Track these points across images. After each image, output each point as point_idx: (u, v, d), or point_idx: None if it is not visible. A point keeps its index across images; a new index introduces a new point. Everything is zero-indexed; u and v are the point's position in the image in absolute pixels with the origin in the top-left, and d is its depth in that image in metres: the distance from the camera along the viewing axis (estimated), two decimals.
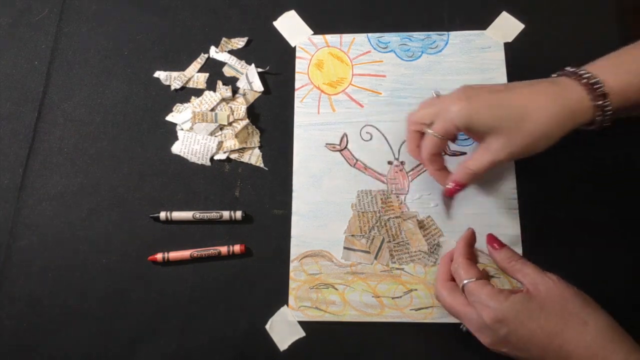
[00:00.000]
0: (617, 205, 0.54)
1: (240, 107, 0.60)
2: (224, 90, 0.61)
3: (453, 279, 0.49)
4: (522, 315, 0.42)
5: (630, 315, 0.51)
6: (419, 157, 0.51)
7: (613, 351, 0.40)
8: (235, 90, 0.62)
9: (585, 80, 0.45)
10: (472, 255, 0.51)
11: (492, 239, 0.50)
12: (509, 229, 0.54)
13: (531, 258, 0.51)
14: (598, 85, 0.44)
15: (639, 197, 0.54)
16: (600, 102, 0.44)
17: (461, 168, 0.49)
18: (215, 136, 0.59)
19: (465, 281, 0.46)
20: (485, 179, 0.56)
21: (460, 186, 0.50)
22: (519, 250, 0.53)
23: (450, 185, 0.50)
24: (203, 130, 0.59)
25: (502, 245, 0.49)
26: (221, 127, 0.60)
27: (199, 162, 0.59)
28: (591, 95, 0.44)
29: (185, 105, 0.61)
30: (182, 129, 0.60)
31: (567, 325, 0.41)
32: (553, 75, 0.48)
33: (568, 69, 0.47)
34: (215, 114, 0.60)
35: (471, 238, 0.51)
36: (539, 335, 0.41)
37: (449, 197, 0.54)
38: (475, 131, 0.46)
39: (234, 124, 0.60)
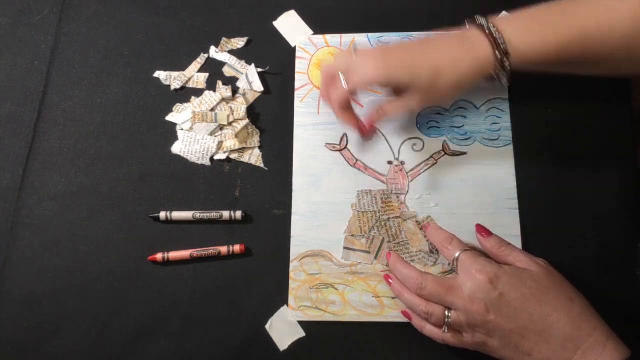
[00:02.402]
0: (618, 205, 0.54)
1: (240, 107, 0.60)
2: (224, 90, 0.61)
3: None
4: (516, 279, 0.44)
5: (631, 315, 0.51)
6: (329, 101, 0.54)
7: (596, 327, 0.42)
8: (235, 90, 0.62)
9: (491, 36, 0.47)
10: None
11: (480, 228, 0.51)
12: (509, 229, 0.54)
13: None
14: (503, 44, 0.47)
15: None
16: (502, 60, 0.47)
17: (377, 110, 0.53)
18: (215, 136, 0.59)
19: (457, 253, 0.48)
20: (485, 179, 0.56)
21: (373, 128, 0.57)
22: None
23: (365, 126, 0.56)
24: (203, 130, 0.59)
25: (489, 233, 0.51)
26: (221, 127, 0.60)
27: (199, 162, 0.59)
28: (495, 52, 0.47)
29: (186, 105, 0.61)
30: (182, 129, 0.60)
31: (557, 297, 0.44)
32: (470, 25, 0.50)
33: (481, 21, 0.49)
34: (215, 114, 0.60)
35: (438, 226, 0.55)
36: (530, 300, 0.43)
37: (366, 137, 0.58)
38: (392, 86, 0.52)
39: (234, 124, 0.60)
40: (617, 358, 0.40)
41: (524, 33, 0.47)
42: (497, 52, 0.47)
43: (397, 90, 0.52)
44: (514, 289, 0.44)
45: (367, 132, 0.57)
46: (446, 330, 0.47)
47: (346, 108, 0.54)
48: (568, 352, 0.41)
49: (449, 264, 0.50)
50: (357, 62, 0.50)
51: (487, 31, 0.47)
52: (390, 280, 0.52)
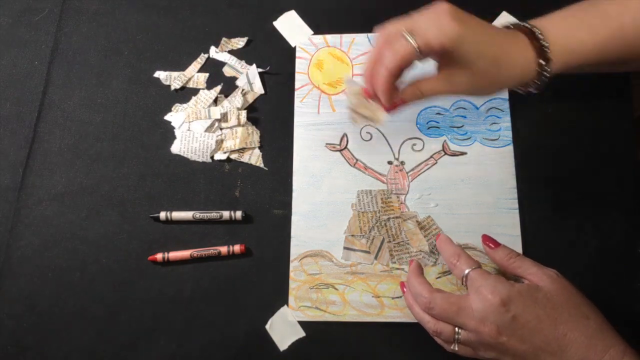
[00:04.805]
0: (618, 205, 0.54)
1: (240, 108, 0.60)
2: (218, 87, 0.61)
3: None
4: (529, 300, 0.42)
5: (630, 316, 0.51)
6: (376, 76, 0.45)
7: (612, 344, 0.41)
8: (234, 88, 0.62)
9: (537, 42, 0.45)
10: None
11: (487, 239, 0.50)
12: (509, 229, 0.54)
13: (531, 257, 0.51)
14: (546, 50, 0.44)
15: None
16: (542, 67, 0.45)
17: (413, 88, 0.46)
18: (214, 133, 0.59)
19: (467, 270, 0.45)
20: (485, 179, 0.56)
21: (403, 105, 0.47)
22: (519, 249, 0.53)
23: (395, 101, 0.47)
24: (200, 127, 0.60)
25: (497, 244, 0.49)
26: (221, 128, 0.60)
27: (200, 160, 0.59)
28: (539, 60, 0.45)
29: (184, 105, 0.61)
30: (179, 129, 0.60)
31: (571, 315, 0.42)
32: (510, 26, 0.48)
33: (527, 24, 0.46)
34: (208, 110, 0.60)
35: (448, 238, 0.52)
36: (544, 321, 0.41)
37: (390, 112, 0.48)
38: (455, 57, 0.43)
39: (234, 128, 0.60)
40: None
41: (563, 38, 0.45)
42: (540, 60, 0.44)
43: (451, 64, 0.44)
44: (528, 310, 0.42)
45: (394, 109, 0.47)
46: (456, 348, 0.45)
47: (393, 82, 0.45)
48: None
49: (458, 281, 0.48)
50: (425, 18, 0.43)
51: (532, 35, 0.45)
52: (405, 289, 0.51)
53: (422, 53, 0.42)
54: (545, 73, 0.45)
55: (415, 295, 0.48)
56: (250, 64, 0.62)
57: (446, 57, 0.43)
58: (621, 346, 0.41)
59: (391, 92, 0.45)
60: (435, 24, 0.42)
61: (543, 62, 0.44)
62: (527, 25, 0.46)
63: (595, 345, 0.41)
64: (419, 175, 0.57)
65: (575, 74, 0.47)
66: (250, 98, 0.61)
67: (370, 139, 0.59)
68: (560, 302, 0.42)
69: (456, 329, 0.44)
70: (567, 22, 0.46)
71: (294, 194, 0.57)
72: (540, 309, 0.42)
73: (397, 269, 0.54)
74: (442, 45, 0.41)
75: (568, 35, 0.45)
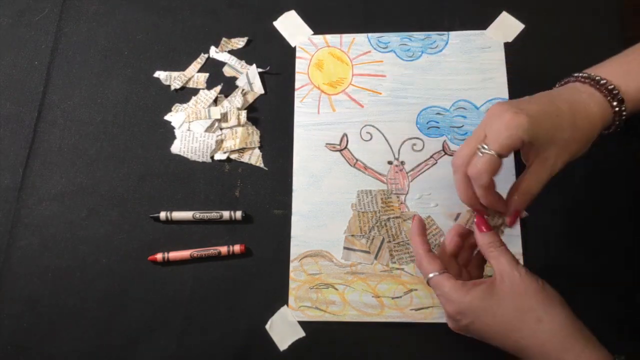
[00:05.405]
0: (618, 205, 0.54)
1: (240, 108, 0.60)
2: (218, 87, 0.61)
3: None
4: (480, 311, 0.43)
5: (631, 316, 0.51)
6: (473, 198, 0.46)
7: (565, 349, 0.41)
8: (234, 88, 0.62)
9: (603, 87, 0.45)
10: (428, 244, 0.49)
11: (481, 222, 0.48)
12: (509, 229, 0.54)
13: (531, 259, 0.52)
14: (616, 92, 0.45)
15: None
16: (618, 108, 0.45)
17: (520, 194, 0.45)
18: (214, 133, 0.59)
19: (430, 275, 0.46)
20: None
21: (518, 213, 0.47)
22: (518, 249, 0.53)
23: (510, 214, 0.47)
24: (200, 127, 0.60)
25: (489, 229, 0.48)
26: (221, 127, 0.60)
27: (200, 160, 0.59)
28: (611, 102, 0.45)
29: (184, 105, 0.61)
30: (179, 129, 0.60)
31: (522, 322, 0.42)
32: (561, 83, 0.48)
33: (578, 75, 0.47)
34: (208, 110, 0.60)
35: (421, 226, 0.49)
36: (495, 329, 0.43)
37: (512, 225, 0.49)
38: (537, 143, 0.43)
39: (234, 128, 0.60)
40: None
41: (630, 76, 0.46)
42: (612, 102, 0.45)
43: (536, 149, 0.44)
44: (479, 320, 0.43)
45: (515, 221, 0.47)
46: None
47: (492, 187, 0.45)
48: None
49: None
50: (489, 125, 0.43)
51: (592, 81, 0.46)
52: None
53: (502, 156, 0.43)
54: (623, 113, 0.46)
55: (417, 262, 0.48)
56: (250, 64, 0.62)
57: (526, 148, 0.44)
58: (580, 344, 0.41)
59: (499, 201, 0.46)
60: (501, 125, 0.42)
61: (616, 104, 0.45)
62: (584, 74, 0.47)
63: (548, 353, 0.41)
64: (419, 175, 0.57)
65: None
66: (250, 98, 0.61)
67: (370, 139, 0.59)
68: (513, 306, 0.43)
69: None
70: (629, 60, 0.47)
71: (294, 194, 0.57)
72: (490, 317, 0.43)
73: (397, 269, 0.54)
74: (519, 140, 0.42)
75: (635, 71, 0.46)
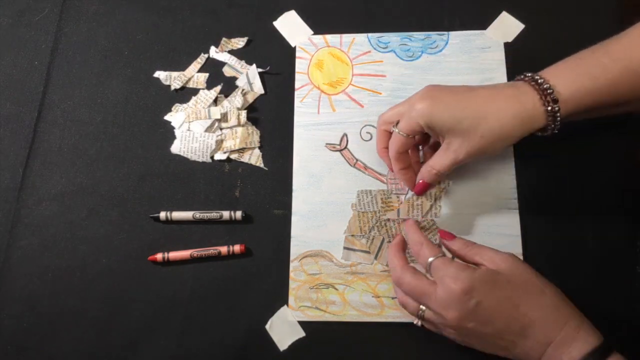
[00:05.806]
0: (618, 205, 0.54)
1: (240, 108, 0.60)
2: (218, 87, 0.61)
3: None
4: (491, 284, 0.44)
5: (630, 314, 0.51)
6: (386, 157, 0.54)
7: (570, 316, 0.43)
8: (234, 88, 0.62)
9: (538, 86, 0.47)
10: (425, 235, 0.51)
11: (444, 234, 0.50)
12: (509, 229, 0.54)
13: (531, 259, 0.52)
14: (550, 91, 0.46)
15: None
16: (550, 108, 0.46)
17: (426, 168, 0.52)
18: (214, 133, 0.59)
19: (431, 259, 0.46)
20: (485, 179, 0.56)
21: (427, 185, 0.53)
22: (518, 249, 0.53)
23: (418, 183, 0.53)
24: (200, 127, 0.60)
25: (453, 236, 0.50)
26: (221, 128, 0.60)
27: (200, 160, 0.59)
28: (543, 101, 0.46)
29: (184, 105, 0.61)
30: (179, 129, 0.60)
31: (529, 294, 0.44)
32: (516, 79, 0.50)
33: (527, 74, 0.48)
34: (208, 110, 0.60)
35: (415, 222, 0.52)
36: (505, 304, 0.43)
37: (418, 194, 0.55)
38: (436, 130, 0.48)
39: (234, 128, 0.60)
40: (589, 345, 0.41)
41: (572, 78, 0.46)
42: (545, 101, 0.46)
43: (442, 135, 0.49)
44: (490, 295, 0.43)
45: (421, 191, 0.54)
46: (419, 324, 0.47)
47: (403, 161, 0.52)
48: (543, 346, 0.42)
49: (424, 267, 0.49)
50: (406, 108, 0.49)
51: (532, 81, 0.47)
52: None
53: (408, 135, 0.50)
54: (557, 115, 0.46)
55: (391, 268, 0.49)
56: (250, 64, 0.62)
57: (433, 132, 0.49)
58: (577, 319, 0.43)
59: (405, 169, 0.53)
60: (410, 108, 0.49)
61: (550, 105, 0.46)
62: (527, 75, 0.48)
63: (556, 319, 0.42)
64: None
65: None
66: (250, 98, 0.61)
67: (370, 139, 0.59)
68: (519, 282, 0.44)
69: (421, 306, 0.46)
70: (575, 62, 0.48)
71: (294, 194, 0.57)
72: (502, 291, 0.43)
73: None
74: (418, 125, 0.48)
75: (576, 73, 0.47)
